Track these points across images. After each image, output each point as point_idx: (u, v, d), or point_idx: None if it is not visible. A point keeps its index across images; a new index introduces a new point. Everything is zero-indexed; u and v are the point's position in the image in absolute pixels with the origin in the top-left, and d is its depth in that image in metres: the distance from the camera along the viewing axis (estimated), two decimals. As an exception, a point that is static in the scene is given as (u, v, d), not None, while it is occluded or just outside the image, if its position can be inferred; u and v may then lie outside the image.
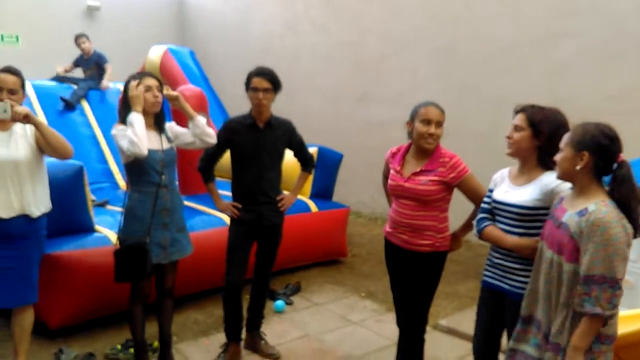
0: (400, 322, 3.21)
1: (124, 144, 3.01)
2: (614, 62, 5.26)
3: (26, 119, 2.80)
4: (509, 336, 2.47)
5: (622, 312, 3.09)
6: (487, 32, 6.20)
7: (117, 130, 3.09)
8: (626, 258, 2.03)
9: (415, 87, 6.77)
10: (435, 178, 2.88)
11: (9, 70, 2.98)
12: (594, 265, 2.01)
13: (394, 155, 3.11)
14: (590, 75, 5.40)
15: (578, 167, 2.13)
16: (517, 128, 2.50)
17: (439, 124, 2.90)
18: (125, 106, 3.13)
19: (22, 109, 2.80)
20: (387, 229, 3.11)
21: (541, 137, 2.43)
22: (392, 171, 3.06)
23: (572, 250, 2.10)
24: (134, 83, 3.08)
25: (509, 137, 2.53)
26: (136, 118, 3.01)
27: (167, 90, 3.21)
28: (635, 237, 2.07)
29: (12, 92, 2.93)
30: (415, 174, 2.92)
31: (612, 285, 2.00)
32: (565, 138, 2.20)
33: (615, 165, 2.11)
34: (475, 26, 6.31)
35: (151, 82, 3.14)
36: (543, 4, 5.72)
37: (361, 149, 7.33)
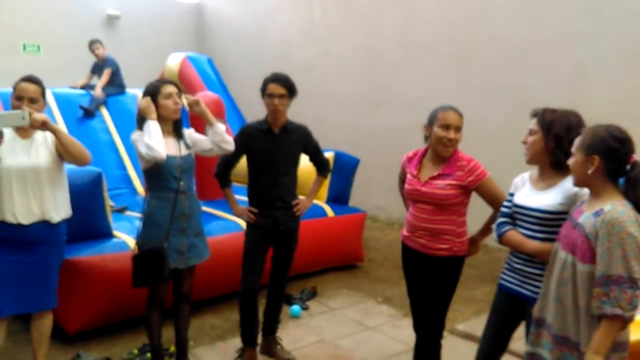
0: (417, 327, 3.19)
1: (142, 149, 3.04)
2: (635, 62, 5.17)
3: (44, 125, 2.85)
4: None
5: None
6: (504, 34, 6.15)
7: (136, 135, 3.13)
8: None
9: (432, 92, 6.74)
10: (454, 182, 2.85)
11: (30, 79, 3.04)
12: (612, 265, 1.98)
13: (410, 159, 3.09)
14: (611, 77, 5.33)
15: (589, 172, 2.11)
16: (531, 132, 2.48)
17: (458, 129, 2.87)
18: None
19: (40, 116, 2.84)
20: (405, 233, 3.09)
21: (550, 138, 2.40)
22: (409, 175, 3.04)
23: (585, 250, 2.08)
24: (141, 101, 3.12)
25: (524, 142, 2.51)
26: (152, 124, 3.05)
27: (187, 97, 3.25)
28: None
29: (32, 100, 2.98)
30: (433, 178, 2.90)
31: (631, 285, 1.97)
32: (576, 142, 2.18)
33: (628, 167, 2.08)
34: (492, 28, 6.27)
35: (171, 89, 3.18)
36: (561, 4, 5.66)
37: (378, 153, 7.32)
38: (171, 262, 3.16)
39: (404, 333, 4.02)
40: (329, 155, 5.10)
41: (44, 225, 3.02)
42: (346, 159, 5.54)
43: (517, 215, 2.55)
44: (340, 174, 5.47)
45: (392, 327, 4.28)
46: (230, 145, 3.33)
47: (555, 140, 2.38)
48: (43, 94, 3.08)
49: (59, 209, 3.08)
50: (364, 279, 5.33)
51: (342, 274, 5.42)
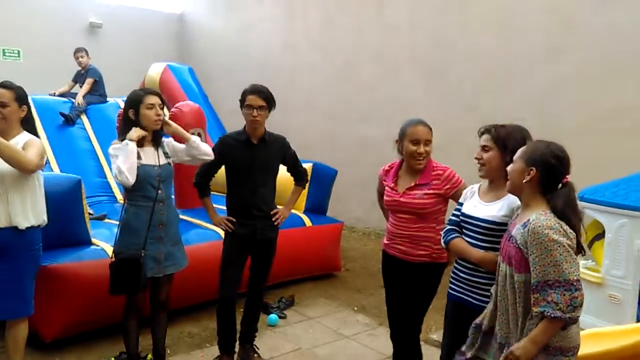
0: (393, 336, 3.25)
1: (114, 168, 3.10)
2: (611, 78, 5.34)
3: None
4: None
5: (610, 328, 3.16)
6: (478, 51, 6.33)
7: (113, 149, 3.16)
8: (575, 260, 2.08)
9: (409, 106, 6.86)
10: (430, 191, 2.96)
11: (2, 84, 3.06)
12: (546, 271, 2.07)
13: (387, 172, 3.18)
14: (583, 93, 5.51)
15: (524, 181, 2.22)
16: (485, 148, 2.57)
17: (428, 142, 2.97)
18: (125, 123, 3.22)
19: None
20: (385, 241, 3.18)
21: (508, 154, 2.47)
22: (387, 188, 3.12)
23: (519, 260, 2.18)
24: (133, 132, 3.15)
25: (478, 158, 2.60)
26: (131, 146, 3.10)
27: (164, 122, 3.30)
28: (577, 252, 2.12)
29: (2, 105, 3.00)
30: (410, 188, 2.99)
31: (567, 287, 2.05)
32: (519, 152, 2.29)
33: (560, 185, 2.20)
34: (468, 46, 6.45)
35: (154, 100, 3.22)
36: (536, 22, 5.85)
37: (356, 165, 7.43)
38: (148, 270, 3.19)
39: (380, 342, 4.10)
40: (307, 166, 5.17)
41: (12, 231, 2.99)
42: (324, 170, 5.61)
43: (464, 225, 2.66)
44: (319, 184, 5.54)
45: (368, 335, 4.34)
46: (208, 157, 3.41)
47: (512, 154, 2.44)
48: (18, 99, 3.06)
49: (28, 215, 3.03)
50: (341, 288, 5.39)
51: (319, 283, 5.48)
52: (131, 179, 3.06)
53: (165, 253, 3.27)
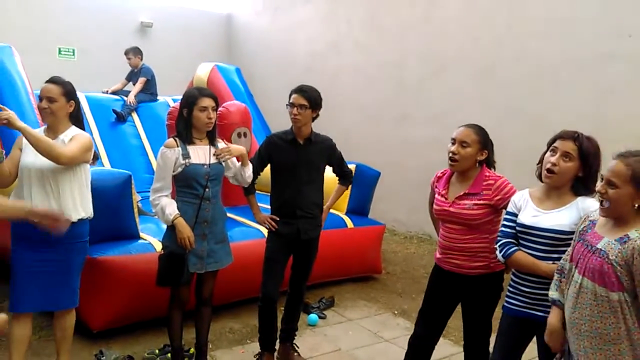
0: (414, 338, 3.17)
1: (156, 209, 3.28)
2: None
3: (9, 124, 2.86)
4: None
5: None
6: (529, 53, 6.18)
7: (166, 156, 3.23)
8: None
9: (456, 108, 6.78)
10: (480, 202, 2.82)
11: (51, 80, 3.13)
12: None
13: (439, 179, 3.07)
14: (637, 100, 5.32)
15: (637, 205, 2.08)
16: (566, 156, 2.42)
17: (463, 143, 2.85)
18: (179, 121, 3.29)
19: (4, 113, 2.86)
20: (438, 255, 3.04)
21: (587, 169, 2.41)
22: (437, 195, 3.01)
23: (615, 279, 2.05)
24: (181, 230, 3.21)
25: (554, 164, 2.43)
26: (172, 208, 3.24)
27: (222, 150, 3.34)
28: None
29: (50, 100, 3.06)
30: (460, 197, 2.87)
31: None
32: (620, 172, 2.08)
33: None
34: (518, 47, 6.30)
35: (207, 102, 3.25)
36: (590, 24, 5.68)
37: (399, 167, 7.38)
38: (191, 266, 3.25)
39: (419, 346, 4.06)
40: (350, 167, 5.16)
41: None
42: (367, 172, 5.60)
43: (524, 236, 2.53)
44: (361, 186, 5.53)
45: (408, 340, 4.30)
46: (245, 184, 3.54)
47: (591, 168, 2.40)
48: (66, 94, 3.11)
49: (78, 208, 3.11)
50: (381, 291, 5.37)
51: (359, 285, 5.47)
52: (163, 218, 3.28)
53: (207, 250, 3.31)
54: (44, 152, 2.91)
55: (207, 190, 3.27)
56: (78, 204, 3.12)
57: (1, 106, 2.94)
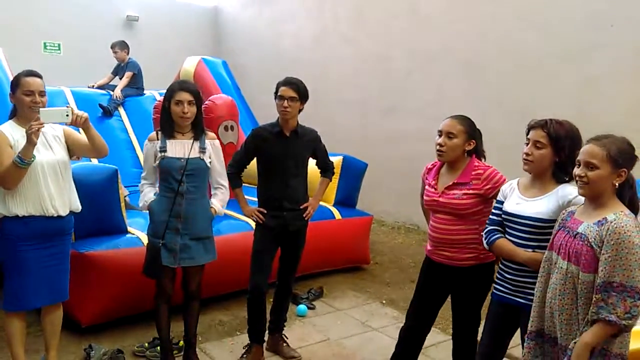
0: (406, 330, 3.22)
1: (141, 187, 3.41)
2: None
3: (86, 123, 2.97)
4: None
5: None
6: (514, 45, 6.23)
7: (147, 149, 3.32)
8: None
9: (441, 100, 6.82)
10: (470, 191, 2.86)
11: (33, 73, 3.04)
12: (614, 273, 1.99)
13: (429, 170, 3.11)
14: (620, 88, 5.38)
15: (617, 184, 2.11)
16: (537, 144, 2.45)
17: (450, 134, 2.88)
18: (162, 113, 3.30)
19: (82, 113, 2.94)
20: (428, 247, 3.08)
21: (562, 154, 2.42)
22: (427, 186, 3.05)
23: (590, 260, 2.09)
24: None
25: (527, 154, 2.48)
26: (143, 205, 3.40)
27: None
28: None
29: (41, 94, 3.02)
30: (449, 187, 2.91)
31: (631, 294, 1.99)
32: (597, 154, 2.11)
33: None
34: (502, 39, 6.35)
35: (183, 96, 3.21)
36: (572, 15, 5.73)
37: (386, 159, 7.42)
38: (163, 258, 3.24)
39: (407, 335, 4.11)
40: (337, 159, 5.20)
41: (71, 216, 3.18)
42: (354, 163, 5.63)
43: (508, 223, 2.57)
44: (348, 177, 5.56)
45: (396, 328, 4.28)
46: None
47: (567, 153, 2.41)
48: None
49: (77, 200, 3.23)
50: (370, 281, 5.42)
51: (348, 276, 5.51)
52: (141, 205, 3.40)
53: (181, 245, 3.26)
54: (102, 146, 3.13)
55: (182, 185, 3.23)
56: (76, 197, 3.22)
57: (73, 107, 2.98)
